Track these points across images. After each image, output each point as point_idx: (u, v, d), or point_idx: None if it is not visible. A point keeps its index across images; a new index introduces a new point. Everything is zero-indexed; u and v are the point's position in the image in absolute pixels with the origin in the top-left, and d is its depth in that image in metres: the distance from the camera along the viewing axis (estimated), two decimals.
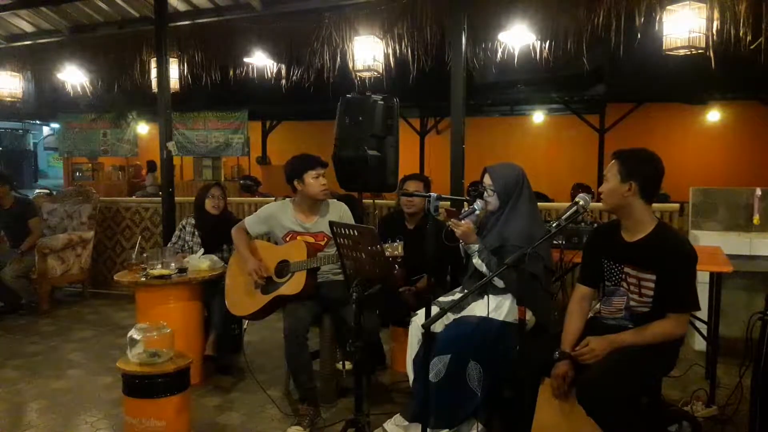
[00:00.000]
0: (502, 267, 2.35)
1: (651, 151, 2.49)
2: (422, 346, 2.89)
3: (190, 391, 2.97)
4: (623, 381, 2.31)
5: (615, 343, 2.41)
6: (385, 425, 2.99)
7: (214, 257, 3.98)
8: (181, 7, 5.63)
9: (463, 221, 2.94)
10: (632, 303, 2.50)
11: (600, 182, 2.55)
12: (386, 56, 5.18)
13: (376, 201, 5.43)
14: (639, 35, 4.51)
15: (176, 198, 5.51)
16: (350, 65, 5.21)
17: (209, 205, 4.21)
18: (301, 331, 3.19)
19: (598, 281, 2.64)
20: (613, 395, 2.27)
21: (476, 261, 2.93)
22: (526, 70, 6.41)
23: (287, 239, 3.51)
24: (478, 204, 3.01)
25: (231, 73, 6.28)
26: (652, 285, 2.42)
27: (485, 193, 3.01)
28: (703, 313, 3.57)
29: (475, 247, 2.93)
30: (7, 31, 6.58)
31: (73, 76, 6.72)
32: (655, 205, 2.55)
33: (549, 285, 3.05)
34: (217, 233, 4.17)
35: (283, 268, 3.40)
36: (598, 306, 2.70)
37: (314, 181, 3.43)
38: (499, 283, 2.85)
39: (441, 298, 3.09)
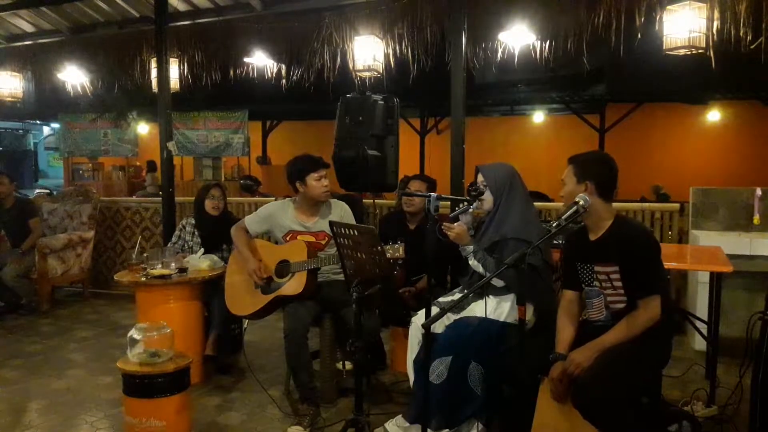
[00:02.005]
0: (502, 267, 2.35)
1: (603, 152, 2.63)
2: (422, 347, 2.88)
3: (190, 390, 2.97)
4: (616, 381, 2.32)
5: (596, 348, 2.42)
6: (386, 425, 2.99)
7: (215, 257, 3.98)
8: (182, 7, 5.63)
9: (455, 224, 2.95)
10: (608, 299, 2.54)
11: None
12: (386, 56, 5.18)
13: (376, 201, 5.42)
14: (639, 35, 4.51)
15: (176, 198, 5.51)
16: (350, 65, 5.21)
17: (209, 205, 4.21)
18: (302, 331, 3.19)
19: (577, 284, 2.68)
20: (608, 396, 2.27)
21: (472, 262, 2.94)
22: (526, 70, 6.43)
23: (287, 239, 3.50)
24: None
25: (231, 73, 6.28)
26: (618, 276, 2.48)
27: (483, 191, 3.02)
28: (703, 313, 3.58)
29: (470, 248, 2.94)
30: (7, 31, 6.58)
31: (74, 76, 6.72)
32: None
33: (549, 279, 3.05)
34: (217, 233, 4.17)
35: (284, 269, 3.40)
36: (584, 313, 2.71)
37: (316, 183, 3.42)
38: (498, 282, 2.85)
39: (441, 299, 3.09)
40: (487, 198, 3.01)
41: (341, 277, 3.36)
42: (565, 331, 2.60)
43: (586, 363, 2.39)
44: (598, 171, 2.55)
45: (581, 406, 2.32)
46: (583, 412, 2.30)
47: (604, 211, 2.54)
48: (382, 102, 3.82)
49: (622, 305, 2.50)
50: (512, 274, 2.58)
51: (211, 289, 3.87)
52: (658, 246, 2.52)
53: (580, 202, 2.47)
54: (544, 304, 2.89)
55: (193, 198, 4.43)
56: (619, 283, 2.49)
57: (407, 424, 2.94)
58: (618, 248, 2.47)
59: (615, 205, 2.63)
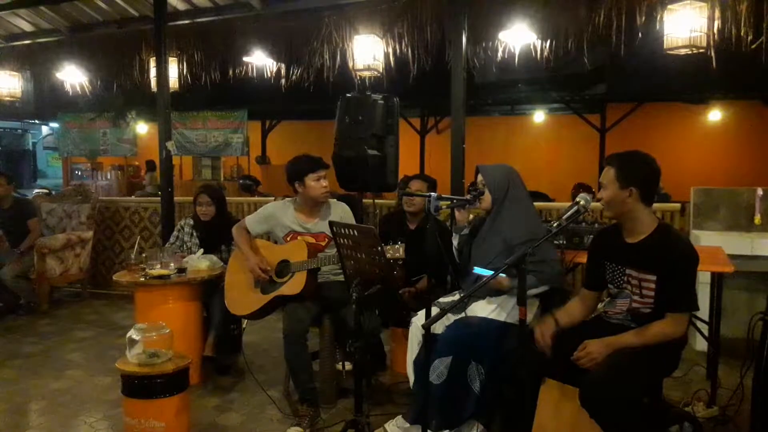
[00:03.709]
0: (502, 268, 2.34)
1: (644, 152, 2.47)
2: (422, 348, 2.87)
3: (189, 391, 2.96)
4: (626, 382, 2.30)
5: (613, 346, 2.40)
6: (386, 426, 2.98)
7: (213, 257, 3.97)
8: (181, 6, 5.62)
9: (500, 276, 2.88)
10: (634, 304, 2.49)
11: None
12: (386, 55, 5.18)
13: (376, 201, 5.42)
14: (640, 34, 4.51)
15: (175, 198, 5.51)
16: (350, 64, 5.21)
17: (199, 212, 4.21)
18: (301, 332, 3.18)
19: (601, 285, 2.63)
20: (617, 397, 2.26)
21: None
22: (526, 70, 6.42)
23: (288, 239, 3.50)
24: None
25: (230, 72, 6.28)
26: (652, 285, 2.41)
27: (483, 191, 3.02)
28: (704, 314, 3.56)
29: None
30: (6, 30, 6.57)
31: (73, 76, 6.71)
32: (655, 205, 2.54)
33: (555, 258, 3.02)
34: (215, 234, 4.16)
35: (284, 268, 3.39)
36: (602, 307, 2.69)
37: (315, 184, 3.41)
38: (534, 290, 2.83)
39: (441, 299, 3.08)
40: (486, 198, 3.01)
41: (341, 277, 3.35)
42: (571, 309, 2.64)
43: (600, 357, 2.38)
44: (643, 175, 2.40)
45: (590, 405, 2.30)
46: (591, 411, 2.29)
47: (646, 216, 2.44)
48: (382, 102, 3.81)
49: (647, 310, 2.45)
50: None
51: (210, 290, 3.86)
52: (699, 261, 2.41)
53: (581, 202, 2.44)
54: (554, 282, 2.88)
55: (192, 198, 4.42)
56: (651, 292, 2.41)
57: (407, 425, 2.94)
58: (660, 258, 2.37)
59: None
